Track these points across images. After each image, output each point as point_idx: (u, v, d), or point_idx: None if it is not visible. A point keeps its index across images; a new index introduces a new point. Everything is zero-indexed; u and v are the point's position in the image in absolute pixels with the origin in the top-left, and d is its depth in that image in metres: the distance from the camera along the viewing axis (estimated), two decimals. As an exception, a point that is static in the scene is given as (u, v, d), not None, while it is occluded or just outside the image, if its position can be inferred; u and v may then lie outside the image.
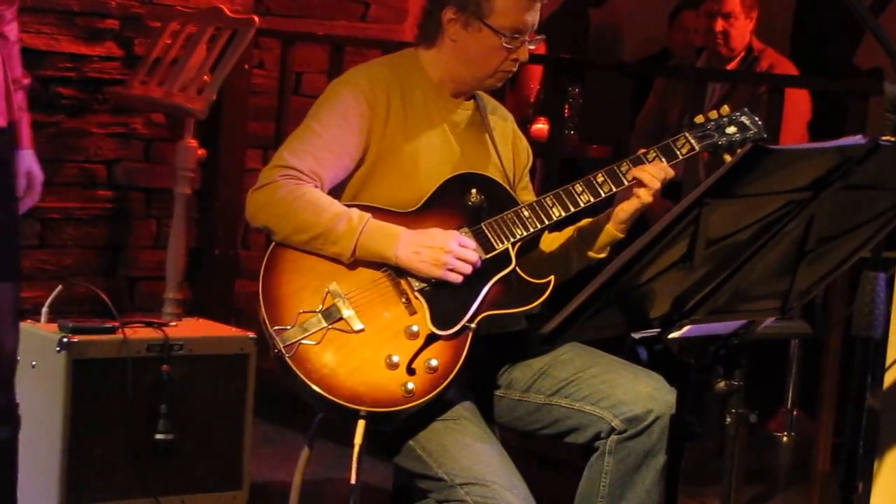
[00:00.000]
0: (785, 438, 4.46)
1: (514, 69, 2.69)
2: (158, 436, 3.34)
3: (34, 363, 3.30)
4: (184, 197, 4.35)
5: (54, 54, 4.51)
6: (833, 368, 3.60)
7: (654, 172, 2.59)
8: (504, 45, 2.63)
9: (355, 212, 2.54)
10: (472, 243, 2.56)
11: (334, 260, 2.54)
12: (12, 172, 2.82)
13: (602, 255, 2.68)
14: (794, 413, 4.47)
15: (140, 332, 3.40)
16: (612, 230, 2.65)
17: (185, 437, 3.39)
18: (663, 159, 2.64)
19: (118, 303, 3.91)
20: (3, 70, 2.77)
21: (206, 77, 4.30)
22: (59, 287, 3.45)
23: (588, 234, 2.69)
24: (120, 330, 3.35)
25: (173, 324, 3.55)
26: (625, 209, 2.62)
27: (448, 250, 2.52)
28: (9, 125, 2.78)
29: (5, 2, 2.84)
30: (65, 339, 3.27)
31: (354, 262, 2.54)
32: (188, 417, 3.40)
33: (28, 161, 2.90)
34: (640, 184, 2.59)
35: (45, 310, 3.41)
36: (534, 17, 2.65)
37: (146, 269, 4.82)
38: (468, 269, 2.53)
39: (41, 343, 3.30)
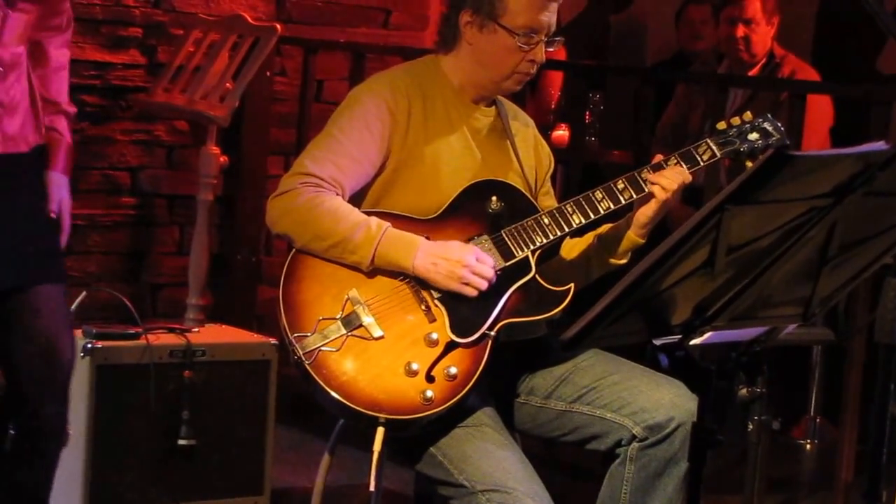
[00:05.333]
0: (808, 446, 4.43)
1: (532, 71, 2.68)
2: (181, 441, 3.35)
3: (57, 369, 3.31)
4: (206, 203, 4.36)
5: (78, 62, 4.52)
6: (856, 375, 3.59)
7: (670, 177, 2.59)
8: (519, 45, 2.63)
9: (374, 220, 2.54)
10: (489, 259, 2.56)
11: (354, 267, 2.55)
12: (42, 183, 2.81)
13: (623, 262, 2.68)
14: (817, 420, 4.45)
15: (163, 338, 3.42)
16: (632, 236, 2.65)
17: (207, 442, 3.40)
18: (684, 165, 2.64)
19: (141, 309, 3.93)
20: (30, 94, 2.75)
21: (228, 84, 4.31)
22: (83, 293, 3.46)
23: (608, 240, 2.69)
24: (143, 336, 3.36)
25: (196, 330, 3.57)
26: (645, 213, 2.62)
27: (465, 264, 2.52)
28: (32, 150, 2.75)
29: (53, 28, 2.81)
30: (88, 345, 3.29)
31: (374, 270, 2.55)
32: (210, 423, 3.42)
33: (58, 187, 2.82)
34: (658, 188, 2.59)
35: (68, 316, 3.43)
36: (549, 18, 2.64)
37: (169, 276, 4.83)
38: (483, 285, 2.53)
39: (64, 349, 3.31)
